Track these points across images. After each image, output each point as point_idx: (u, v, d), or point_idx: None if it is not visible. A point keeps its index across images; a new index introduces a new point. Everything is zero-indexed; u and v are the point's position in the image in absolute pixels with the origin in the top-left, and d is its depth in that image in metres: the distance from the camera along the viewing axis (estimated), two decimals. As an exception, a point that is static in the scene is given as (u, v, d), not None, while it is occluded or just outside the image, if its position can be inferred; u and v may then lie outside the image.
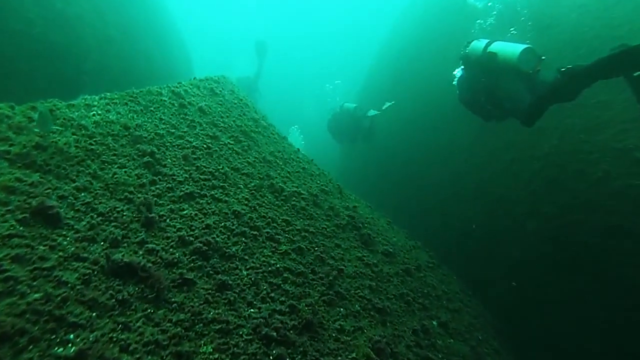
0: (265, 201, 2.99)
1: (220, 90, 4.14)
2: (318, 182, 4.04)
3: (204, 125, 3.36)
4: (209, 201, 2.54)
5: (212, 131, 3.36)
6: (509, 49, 4.19)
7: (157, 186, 2.36)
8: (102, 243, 1.76)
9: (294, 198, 3.33)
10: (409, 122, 9.37)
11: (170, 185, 2.44)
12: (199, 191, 2.56)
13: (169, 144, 2.83)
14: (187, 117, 3.30)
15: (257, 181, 3.16)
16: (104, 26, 7.71)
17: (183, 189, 2.49)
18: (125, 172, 2.29)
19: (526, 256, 5.72)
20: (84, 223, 1.77)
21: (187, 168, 2.71)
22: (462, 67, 5.10)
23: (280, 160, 3.83)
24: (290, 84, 30.46)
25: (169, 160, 2.68)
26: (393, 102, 9.37)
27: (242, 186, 2.97)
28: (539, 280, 5.51)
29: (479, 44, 4.62)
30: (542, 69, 4.25)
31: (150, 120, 2.92)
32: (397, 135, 9.79)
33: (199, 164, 2.82)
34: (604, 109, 4.98)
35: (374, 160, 10.69)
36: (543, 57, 4.16)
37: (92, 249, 1.67)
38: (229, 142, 3.37)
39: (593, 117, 5.06)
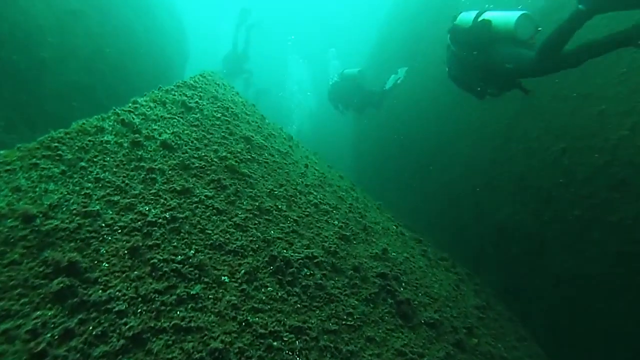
0: (264, 297, 2.00)
1: (196, 102, 3.01)
2: (336, 221, 3.01)
3: (169, 172, 2.30)
4: (170, 340, 1.56)
5: (182, 181, 2.30)
6: (504, 16, 3.97)
7: (73, 343, 1.37)
8: None
9: (306, 270, 2.33)
10: (432, 95, 8.07)
11: (102, 329, 1.45)
12: (152, 324, 1.57)
13: (107, 229, 1.80)
14: (142, 164, 2.23)
15: (251, 259, 2.15)
16: (64, -2, 6.34)
17: (125, 329, 1.49)
18: (9, 341, 1.30)
19: (583, 271, 4.77)
20: None
21: (135, 274, 1.70)
22: (450, 41, 4.78)
23: (284, 201, 2.78)
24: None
25: (104, 264, 1.66)
26: (407, 68, 8.15)
27: (227, 278, 1.97)
28: (599, 304, 4.60)
29: (467, 16, 4.35)
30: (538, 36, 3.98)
31: (77, 189, 1.87)
32: (418, 110, 8.52)
33: (156, 259, 1.81)
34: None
35: (393, 140, 9.49)
36: (540, 29, 3.98)
37: None
38: (206, 196, 2.32)
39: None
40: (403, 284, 2.92)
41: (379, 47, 11.59)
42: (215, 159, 2.62)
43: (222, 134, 2.93)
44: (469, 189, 6.70)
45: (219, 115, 3.08)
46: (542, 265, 5.33)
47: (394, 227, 3.99)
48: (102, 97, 6.90)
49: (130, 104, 2.57)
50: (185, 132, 2.67)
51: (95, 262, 1.64)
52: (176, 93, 2.95)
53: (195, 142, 2.64)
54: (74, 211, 1.75)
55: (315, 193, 3.18)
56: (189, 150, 2.53)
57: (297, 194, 2.97)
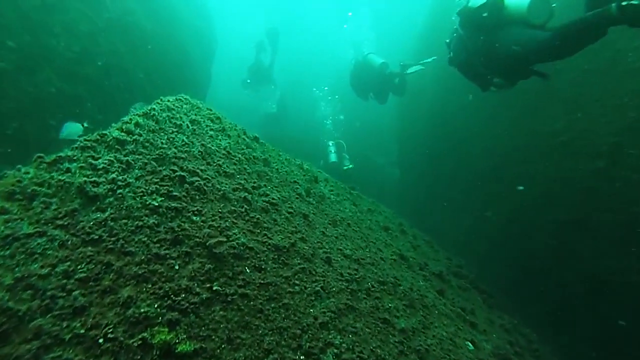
0: None
1: (112, 180, 1.54)
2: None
3: None
4: None
5: None
6: None
7: None
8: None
9: None
10: (499, 94, 6.05)
11: None
12: None
13: None
14: None
15: None
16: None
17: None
18: None
19: None
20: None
21: None
22: (457, 24, 4.49)
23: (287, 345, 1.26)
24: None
25: None
26: (435, 58, 6.94)
27: None
28: None
29: None
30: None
31: None
32: (479, 112, 6.49)
33: None
34: None
35: (444, 147, 7.57)
36: (554, 5, 3.59)
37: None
38: None
39: None
40: None
41: (430, 30, 9.54)
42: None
43: (148, 256, 1.44)
44: (552, 222, 4.84)
45: (155, 204, 1.59)
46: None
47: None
48: (94, 111, 5.69)
49: None
50: (49, 281, 1.20)
51: None
52: (72, 164, 1.48)
53: (86, 272, 1.16)
54: None
55: (329, 350, 1.63)
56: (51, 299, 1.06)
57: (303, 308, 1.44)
